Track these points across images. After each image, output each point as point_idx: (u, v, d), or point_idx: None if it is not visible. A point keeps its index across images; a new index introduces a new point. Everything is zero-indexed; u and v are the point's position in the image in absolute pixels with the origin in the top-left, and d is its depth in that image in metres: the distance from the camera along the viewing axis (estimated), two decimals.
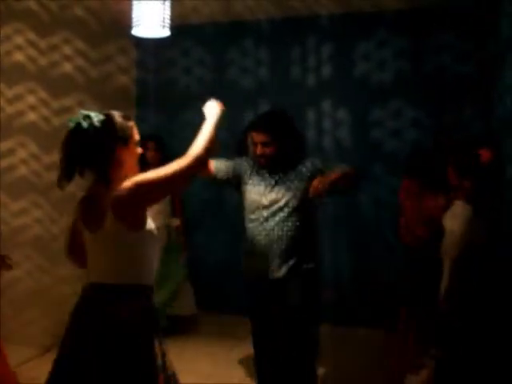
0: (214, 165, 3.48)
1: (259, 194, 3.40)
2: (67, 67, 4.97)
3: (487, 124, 4.85)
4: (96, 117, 2.30)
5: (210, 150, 2.42)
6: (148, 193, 2.24)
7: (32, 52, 4.59)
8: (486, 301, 3.10)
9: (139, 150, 2.42)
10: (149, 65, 5.95)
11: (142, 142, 4.96)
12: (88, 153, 2.25)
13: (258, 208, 3.38)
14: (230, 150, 5.46)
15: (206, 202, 5.70)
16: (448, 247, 3.16)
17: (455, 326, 3.08)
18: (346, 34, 5.41)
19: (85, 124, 2.25)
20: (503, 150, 4.07)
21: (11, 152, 4.48)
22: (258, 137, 3.39)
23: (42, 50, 4.68)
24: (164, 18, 3.00)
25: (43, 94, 4.71)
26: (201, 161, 2.35)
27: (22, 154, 4.55)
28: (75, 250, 2.51)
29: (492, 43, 4.75)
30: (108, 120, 2.32)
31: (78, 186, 2.43)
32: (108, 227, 2.21)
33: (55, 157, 4.74)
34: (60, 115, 4.87)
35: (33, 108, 4.63)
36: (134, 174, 2.30)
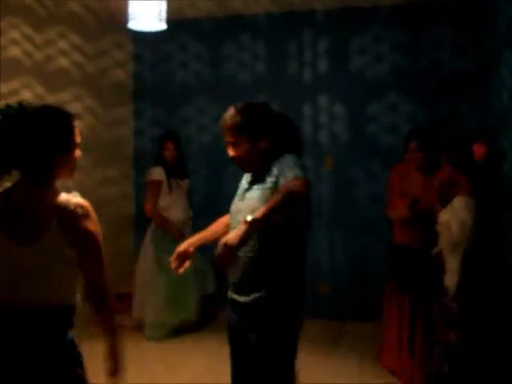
0: None
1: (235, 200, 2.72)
2: (63, 62, 4.96)
3: (483, 119, 4.86)
4: (35, 111, 2.05)
5: None
6: (91, 247, 2.02)
7: (28, 46, 4.58)
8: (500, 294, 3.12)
9: (79, 154, 2.10)
10: (145, 59, 5.94)
11: (161, 142, 5.02)
12: (24, 150, 1.97)
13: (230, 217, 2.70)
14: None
15: (207, 197, 5.70)
16: (454, 241, 3.15)
17: (479, 321, 3.09)
18: (342, 28, 5.41)
19: (10, 119, 1.99)
20: (499, 145, 4.09)
21: None
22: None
23: (37, 45, 4.67)
24: (160, 11, 2.99)
25: (39, 89, 4.70)
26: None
27: None
28: None
29: (488, 38, 4.76)
30: (48, 116, 2.05)
31: None
32: (48, 242, 1.92)
33: None
34: None
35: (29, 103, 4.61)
36: (69, 177, 2.09)
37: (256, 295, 2.50)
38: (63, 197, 1.98)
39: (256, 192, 2.55)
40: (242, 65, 5.70)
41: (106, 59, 5.55)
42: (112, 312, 2.10)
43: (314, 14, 5.46)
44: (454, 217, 3.11)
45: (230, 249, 2.19)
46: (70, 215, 1.95)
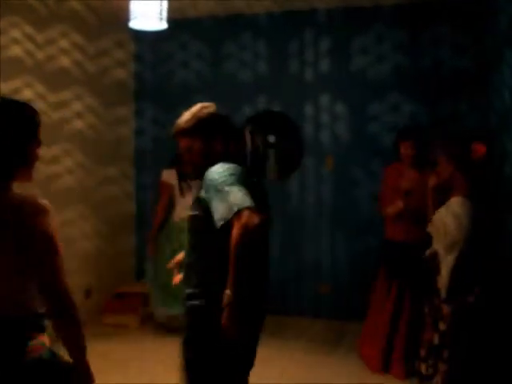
0: None
1: None
2: (64, 61, 4.96)
3: (484, 118, 4.85)
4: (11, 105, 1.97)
5: None
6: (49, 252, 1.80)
7: (29, 46, 4.58)
8: (495, 297, 3.11)
9: (39, 151, 2.01)
10: (147, 58, 5.95)
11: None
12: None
13: None
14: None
15: None
16: (451, 242, 3.15)
17: (470, 323, 3.09)
18: (343, 28, 5.40)
19: None
20: (500, 145, 4.08)
21: None
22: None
23: (39, 44, 4.67)
24: (161, 11, 2.99)
25: (40, 88, 4.70)
26: None
27: None
28: None
29: (489, 37, 4.76)
30: (24, 110, 1.98)
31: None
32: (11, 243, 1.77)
33: (53, 151, 4.77)
34: (57, 109, 4.87)
35: (30, 102, 4.61)
36: (28, 179, 1.93)
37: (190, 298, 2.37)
38: (18, 197, 1.82)
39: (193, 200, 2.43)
40: (243, 64, 5.69)
41: (107, 58, 5.55)
42: (77, 325, 1.84)
43: (316, 14, 5.46)
44: (451, 217, 3.11)
45: (233, 335, 2.17)
46: (20, 215, 1.77)
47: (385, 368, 4.15)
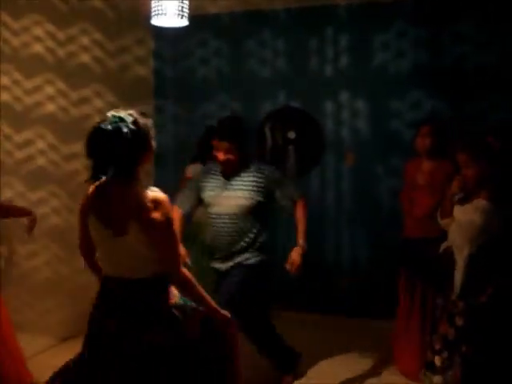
0: None
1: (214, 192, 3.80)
2: (85, 58, 4.98)
3: (508, 115, 4.79)
4: (129, 118, 2.36)
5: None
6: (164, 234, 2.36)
7: (50, 43, 4.61)
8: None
9: (154, 147, 2.50)
10: (166, 55, 5.95)
11: (208, 139, 5.01)
12: (122, 153, 2.33)
13: None
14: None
15: None
16: (465, 240, 3.13)
17: (483, 322, 3.07)
18: (364, 23, 5.36)
19: (124, 129, 2.31)
20: None
21: (30, 143, 4.51)
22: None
23: (60, 41, 4.70)
24: (183, 8, 2.99)
25: (61, 85, 4.73)
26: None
27: (40, 144, 4.57)
28: (87, 247, 2.59)
29: None
30: (137, 122, 2.38)
31: None
32: (133, 235, 2.31)
33: (73, 147, 4.80)
34: (78, 106, 4.89)
35: (51, 99, 4.64)
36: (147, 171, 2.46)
37: None
38: (141, 193, 2.33)
39: (238, 192, 3.57)
40: (262, 61, 5.68)
41: (127, 55, 5.56)
42: (189, 282, 2.41)
43: (336, 9, 5.42)
44: (479, 214, 3.09)
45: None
46: (143, 210, 2.30)
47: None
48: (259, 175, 3.61)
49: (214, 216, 3.66)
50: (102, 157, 2.33)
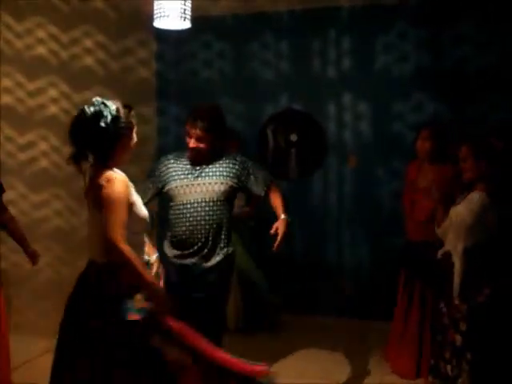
0: None
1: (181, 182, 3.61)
2: (88, 60, 4.99)
3: (510, 116, 4.79)
4: (111, 105, 2.55)
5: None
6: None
7: (54, 45, 4.62)
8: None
9: (135, 139, 2.62)
10: (169, 57, 5.96)
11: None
12: (100, 133, 2.46)
13: None
14: (248, 141, 5.52)
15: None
16: (459, 233, 3.14)
17: (483, 323, 3.07)
18: (366, 25, 5.36)
19: (105, 112, 2.48)
20: None
21: (32, 145, 4.52)
22: None
23: (63, 44, 4.71)
24: (185, 10, 3.00)
25: (64, 87, 4.74)
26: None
27: (43, 146, 4.59)
28: None
29: None
30: (119, 109, 2.57)
31: None
32: (90, 214, 2.52)
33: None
34: None
35: (54, 101, 4.66)
36: (124, 161, 2.60)
37: None
38: (102, 174, 2.46)
39: (213, 177, 3.37)
40: (265, 63, 5.68)
41: (129, 58, 5.57)
42: (128, 261, 2.41)
43: (338, 11, 5.42)
44: (466, 207, 3.11)
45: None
46: (94, 188, 2.46)
47: (417, 373, 4.07)
48: (232, 161, 3.45)
49: (186, 205, 3.38)
50: (81, 135, 2.48)
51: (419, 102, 5.23)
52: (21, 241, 3.44)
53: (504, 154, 3.30)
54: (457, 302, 3.13)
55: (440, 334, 3.34)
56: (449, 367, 3.18)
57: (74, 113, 4.79)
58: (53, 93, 4.63)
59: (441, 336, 3.32)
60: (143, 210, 2.63)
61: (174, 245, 3.44)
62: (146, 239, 2.87)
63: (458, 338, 3.13)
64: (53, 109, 4.65)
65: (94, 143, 2.47)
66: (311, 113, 5.53)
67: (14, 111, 4.35)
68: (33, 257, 3.46)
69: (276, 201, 3.48)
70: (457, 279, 3.12)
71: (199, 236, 3.35)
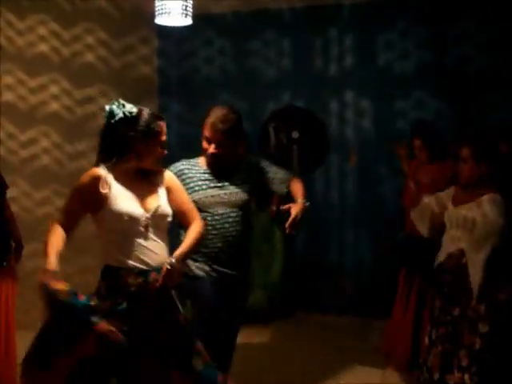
0: None
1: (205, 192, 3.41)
2: (89, 57, 4.99)
3: (509, 115, 4.78)
4: (128, 107, 2.58)
5: None
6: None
7: (55, 43, 4.63)
8: None
9: (163, 152, 2.53)
10: (170, 54, 5.95)
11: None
12: (117, 132, 2.50)
13: None
14: (250, 138, 5.51)
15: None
16: (479, 238, 3.09)
17: (506, 322, 3.03)
18: (368, 23, 5.35)
19: (118, 112, 2.55)
20: None
21: (34, 141, 4.52)
22: None
23: (64, 41, 4.72)
24: (186, 7, 3.00)
25: (66, 84, 4.74)
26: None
27: (44, 143, 4.59)
28: None
29: None
30: (137, 113, 2.55)
31: None
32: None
33: (78, 146, 4.81)
34: (82, 105, 4.90)
35: (55, 98, 4.66)
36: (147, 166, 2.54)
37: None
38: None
39: (238, 186, 3.16)
40: (267, 60, 5.68)
41: (131, 55, 5.57)
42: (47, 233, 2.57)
43: (340, 9, 5.41)
44: (481, 214, 3.07)
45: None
46: None
47: (410, 366, 4.10)
48: (250, 165, 3.30)
49: (215, 217, 3.14)
50: (106, 136, 2.55)
51: (420, 100, 5.22)
52: (16, 240, 3.48)
53: (508, 156, 3.29)
54: (474, 303, 3.06)
55: (448, 342, 3.16)
56: (467, 376, 3.04)
57: (76, 110, 4.84)
58: (54, 90, 4.63)
59: (449, 344, 3.14)
60: (125, 206, 2.43)
61: (208, 258, 3.17)
62: (149, 244, 2.55)
63: (477, 341, 3.03)
64: (54, 106, 4.65)
65: (101, 138, 2.56)
66: (313, 110, 5.53)
67: (16, 108, 4.36)
68: (16, 258, 3.49)
69: (296, 189, 3.29)
70: (479, 280, 3.02)
71: (233, 247, 3.16)
